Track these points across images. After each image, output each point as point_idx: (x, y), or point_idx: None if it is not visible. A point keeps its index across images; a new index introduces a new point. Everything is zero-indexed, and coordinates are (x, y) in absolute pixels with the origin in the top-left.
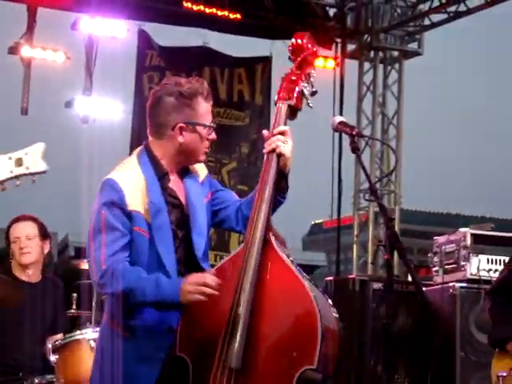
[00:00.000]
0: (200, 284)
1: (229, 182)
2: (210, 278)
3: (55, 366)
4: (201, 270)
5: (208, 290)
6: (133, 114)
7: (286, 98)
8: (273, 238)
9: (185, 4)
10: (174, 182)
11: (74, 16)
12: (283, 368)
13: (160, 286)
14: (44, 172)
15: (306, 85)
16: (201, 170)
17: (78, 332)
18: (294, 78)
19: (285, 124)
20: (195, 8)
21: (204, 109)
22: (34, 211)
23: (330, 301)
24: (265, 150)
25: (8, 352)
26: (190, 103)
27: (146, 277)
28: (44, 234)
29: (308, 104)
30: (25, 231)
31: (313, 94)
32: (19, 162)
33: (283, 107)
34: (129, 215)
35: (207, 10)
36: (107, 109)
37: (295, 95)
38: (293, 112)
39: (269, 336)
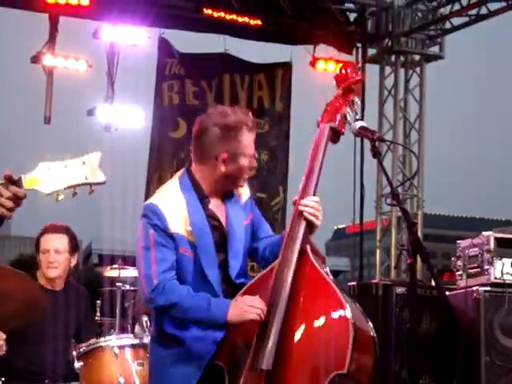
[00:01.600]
0: (253, 306)
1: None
2: (259, 300)
3: (79, 373)
4: (236, 288)
5: (261, 313)
6: (152, 123)
7: (328, 120)
8: (309, 250)
9: (205, 11)
10: (215, 205)
11: (95, 24)
12: (314, 372)
13: (211, 304)
14: (103, 183)
15: (349, 110)
16: (244, 191)
17: (102, 339)
18: (337, 104)
19: (325, 146)
20: (216, 15)
21: (248, 140)
22: (55, 219)
23: (368, 320)
24: (299, 212)
25: (32, 360)
26: (235, 135)
27: (197, 294)
28: (74, 248)
29: (350, 129)
30: (55, 245)
31: (356, 120)
32: (76, 172)
33: (325, 129)
34: (172, 237)
35: (227, 17)
36: (129, 117)
37: (338, 118)
38: (335, 135)
39: (301, 340)
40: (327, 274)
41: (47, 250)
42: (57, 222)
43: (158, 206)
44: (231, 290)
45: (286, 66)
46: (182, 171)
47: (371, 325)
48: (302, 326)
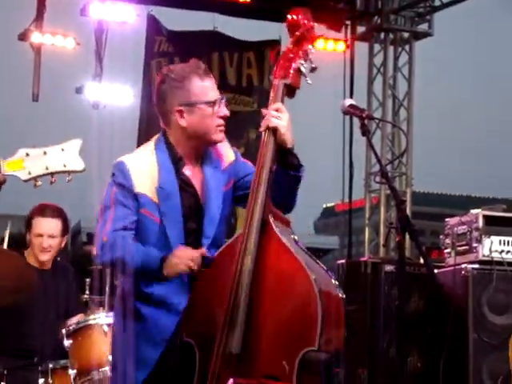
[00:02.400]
0: (184, 257)
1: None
2: (195, 253)
3: (69, 351)
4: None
5: (191, 263)
6: (141, 101)
7: (282, 76)
8: (272, 220)
9: None
10: (192, 170)
11: (83, 1)
12: (284, 351)
13: (149, 254)
14: (82, 171)
15: (303, 62)
16: (227, 155)
17: (91, 317)
18: (290, 55)
19: (282, 102)
20: None
21: (199, 87)
22: (45, 197)
23: (334, 280)
24: (260, 129)
25: (22, 338)
26: (182, 85)
27: (139, 246)
28: (66, 230)
29: (307, 81)
30: (49, 229)
31: (312, 70)
32: (55, 159)
33: (280, 85)
34: (135, 197)
35: None
36: (117, 94)
37: (291, 73)
38: (290, 90)
39: (269, 320)
40: (292, 243)
41: (40, 234)
42: (49, 203)
43: (125, 164)
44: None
45: (275, 44)
46: (158, 134)
47: (340, 290)
48: (270, 305)
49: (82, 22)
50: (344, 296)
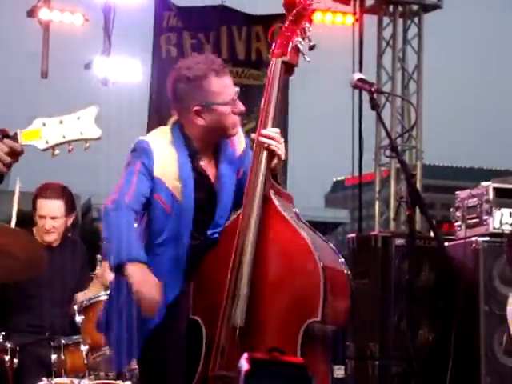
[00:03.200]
0: (148, 297)
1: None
2: (157, 293)
3: (81, 327)
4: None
5: (143, 303)
6: (151, 77)
7: (280, 54)
8: (273, 195)
9: None
10: (207, 162)
11: None
12: (288, 323)
13: (129, 242)
14: (99, 138)
15: (300, 40)
16: (240, 142)
17: (103, 293)
18: (288, 33)
19: (279, 82)
20: None
21: (217, 86)
22: (56, 174)
23: (338, 255)
24: (255, 145)
25: (33, 314)
26: (199, 85)
27: (128, 233)
28: (70, 209)
29: (305, 59)
30: (51, 211)
31: (311, 48)
32: (72, 127)
33: (277, 63)
34: (152, 180)
35: None
36: (126, 70)
37: (289, 51)
38: (288, 68)
39: (272, 293)
40: (294, 218)
41: (43, 216)
42: (52, 182)
43: (150, 145)
44: (202, 245)
45: (284, 18)
46: (173, 122)
47: (344, 263)
48: (272, 279)
49: None
50: (349, 272)
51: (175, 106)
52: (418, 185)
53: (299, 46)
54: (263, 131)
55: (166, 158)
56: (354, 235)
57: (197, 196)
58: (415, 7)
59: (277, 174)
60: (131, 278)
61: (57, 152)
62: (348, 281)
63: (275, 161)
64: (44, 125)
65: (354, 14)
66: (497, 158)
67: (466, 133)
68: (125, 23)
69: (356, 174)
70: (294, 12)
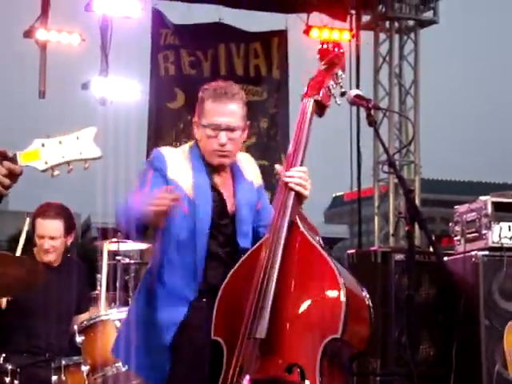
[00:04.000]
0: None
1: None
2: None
3: (81, 347)
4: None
5: (156, 201)
6: (149, 95)
7: (311, 95)
8: (298, 220)
9: None
10: (222, 180)
11: None
12: (308, 338)
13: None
14: (99, 158)
15: (333, 83)
16: (255, 177)
17: (103, 312)
18: (320, 78)
19: (310, 120)
20: None
21: (208, 108)
22: (55, 193)
23: (363, 289)
24: (285, 183)
25: (32, 334)
26: (200, 102)
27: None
28: (69, 229)
29: (336, 102)
30: (50, 231)
31: (342, 94)
32: (71, 147)
33: (309, 103)
34: (166, 182)
35: None
36: (124, 89)
37: (322, 91)
38: (320, 108)
39: (294, 309)
40: (319, 244)
41: (42, 236)
42: (51, 202)
43: (163, 152)
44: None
45: (282, 34)
46: (193, 142)
47: (367, 295)
48: (296, 295)
49: (87, 17)
50: (371, 304)
51: None
52: (417, 199)
53: (331, 88)
54: (288, 173)
55: (181, 166)
56: (353, 251)
57: (213, 206)
58: (411, 23)
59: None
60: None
61: (56, 173)
62: (369, 310)
63: (301, 199)
64: (43, 145)
65: (351, 30)
66: (495, 172)
67: (464, 147)
68: (122, 42)
69: (355, 189)
70: (328, 59)
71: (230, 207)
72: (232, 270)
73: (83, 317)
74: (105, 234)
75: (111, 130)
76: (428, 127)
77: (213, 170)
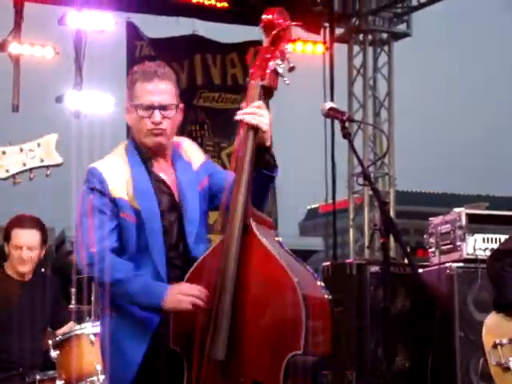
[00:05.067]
0: (190, 294)
1: (230, 164)
2: (199, 289)
3: (56, 362)
4: (192, 258)
5: (197, 301)
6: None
7: (258, 76)
8: (254, 223)
9: None
10: (164, 170)
11: (61, 10)
12: (270, 356)
13: (149, 287)
14: (60, 165)
15: (279, 62)
16: (196, 157)
17: (78, 327)
18: (267, 55)
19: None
20: None
21: (139, 90)
22: (29, 206)
23: (319, 282)
24: (241, 122)
25: (6, 349)
26: (131, 86)
27: (136, 274)
28: (44, 241)
29: (284, 81)
30: (28, 241)
31: (290, 69)
32: (32, 154)
33: (256, 86)
34: (113, 202)
35: (193, 0)
36: (98, 103)
37: (268, 73)
38: (267, 91)
39: (253, 325)
40: (276, 246)
41: (20, 246)
42: (27, 214)
43: (98, 169)
44: (180, 258)
45: (257, 44)
46: (127, 140)
47: (323, 285)
48: (253, 310)
49: (61, 31)
50: (330, 297)
51: None
52: (392, 211)
53: (278, 68)
54: (240, 111)
55: (119, 173)
56: (328, 263)
57: (159, 201)
58: (385, 35)
59: (266, 147)
60: (174, 310)
61: (18, 181)
62: (329, 308)
63: (259, 134)
64: (4, 153)
65: (325, 43)
66: (469, 184)
67: (438, 158)
68: (96, 55)
69: (330, 201)
70: (273, 33)
71: (175, 194)
72: (187, 276)
73: (64, 329)
74: None
75: (85, 142)
76: (402, 139)
77: (151, 157)
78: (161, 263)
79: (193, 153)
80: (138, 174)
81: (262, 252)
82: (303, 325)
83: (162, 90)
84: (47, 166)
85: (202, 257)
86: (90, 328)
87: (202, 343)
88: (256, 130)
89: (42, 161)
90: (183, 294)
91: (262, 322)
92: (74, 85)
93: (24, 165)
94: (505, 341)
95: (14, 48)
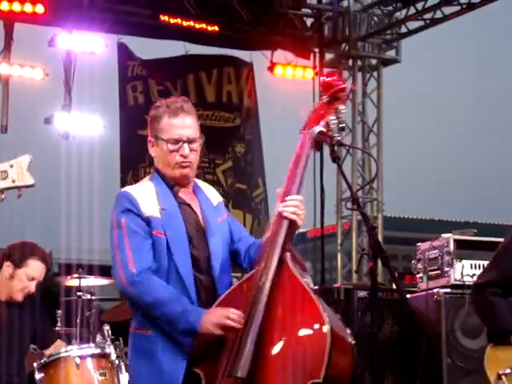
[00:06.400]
0: (225, 317)
1: (225, 181)
2: (233, 312)
3: None
4: (216, 280)
5: (231, 323)
6: (120, 126)
7: (312, 127)
8: (289, 257)
9: (162, 17)
10: (187, 195)
11: (51, 32)
12: (290, 380)
13: (186, 311)
14: (32, 186)
15: (332, 118)
16: (213, 195)
17: (63, 349)
18: (321, 111)
19: (307, 154)
20: (172, 21)
21: (165, 124)
22: (15, 228)
23: (344, 325)
24: (280, 213)
25: None
26: (155, 119)
27: (174, 298)
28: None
29: (335, 137)
30: (40, 275)
31: (341, 129)
32: (4, 175)
33: (308, 136)
34: (147, 221)
35: (184, 23)
36: (87, 124)
37: (322, 125)
38: (317, 143)
39: (277, 349)
40: (307, 284)
41: (33, 278)
42: (33, 243)
43: (129, 191)
44: (207, 279)
45: (250, 66)
46: (151, 174)
47: (349, 331)
48: (279, 336)
49: (51, 52)
50: (354, 342)
51: None
52: (380, 237)
53: (330, 124)
54: (283, 203)
55: (148, 195)
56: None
57: (186, 221)
58: (374, 61)
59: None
60: (210, 333)
61: None
62: (351, 351)
63: (294, 228)
64: None
65: (314, 67)
66: (457, 210)
67: (426, 185)
68: (85, 77)
69: (318, 226)
70: (330, 92)
71: (200, 217)
72: (217, 301)
73: (50, 350)
74: (68, 269)
75: (74, 163)
76: (391, 164)
77: (177, 188)
78: (189, 282)
79: (210, 191)
80: (166, 198)
81: (295, 284)
82: (326, 356)
83: (188, 124)
84: (18, 187)
85: (236, 284)
86: (76, 351)
87: (225, 367)
88: (291, 223)
89: (13, 181)
90: (217, 318)
91: (287, 348)
92: (63, 106)
93: None
94: (508, 370)
95: (3, 69)
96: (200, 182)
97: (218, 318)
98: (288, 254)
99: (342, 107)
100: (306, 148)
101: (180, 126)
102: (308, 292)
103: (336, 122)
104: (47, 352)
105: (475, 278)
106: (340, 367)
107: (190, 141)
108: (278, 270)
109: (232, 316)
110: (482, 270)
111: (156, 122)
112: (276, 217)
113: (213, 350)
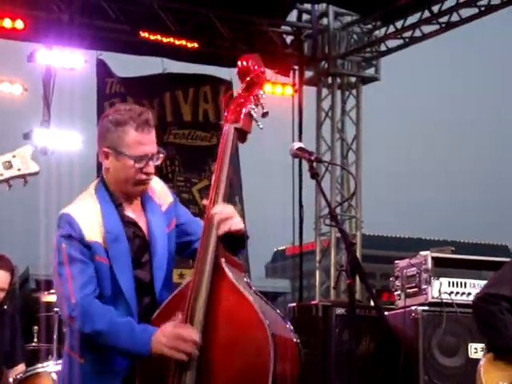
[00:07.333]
0: (177, 338)
1: (201, 199)
2: (187, 332)
3: None
4: (158, 301)
5: (183, 347)
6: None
7: (233, 120)
8: (224, 263)
9: (141, 34)
10: (134, 211)
11: (30, 47)
12: None
13: (134, 333)
14: (37, 173)
15: (253, 107)
16: (164, 197)
17: (40, 365)
18: (241, 100)
19: (232, 148)
20: (152, 37)
21: (131, 138)
22: None
23: (288, 325)
24: (208, 220)
25: None
26: (116, 130)
27: (119, 321)
28: (11, 282)
29: (258, 125)
30: (4, 284)
31: (263, 115)
32: (8, 165)
33: (230, 130)
34: (88, 246)
35: (164, 40)
36: (66, 140)
37: (242, 117)
38: (241, 135)
39: (221, 366)
40: (245, 287)
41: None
42: (3, 255)
43: (71, 214)
44: (151, 301)
45: (228, 84)
46: (97, 181)
47: (292, 329)
48: (221, 350)
49: (30, 67)
50: (299, 340)
51: (98, 145)
52: (358, 255)
53: (252, 112)
54: (214, 211)
55: (91, 217)
56: (294, 304)
57: (132, 246)
58: (353, 79)
59: (242, 238)
60: (162, 352)
61: None
62: (297, 350)
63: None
64: None
65: (294, 85)
66: (435, 229)
67: (404, 203)
68: (65, 92)
69: (297, 243)
70: (248, 79)
71: (146, 234)
72: (155, 314)
73: (19, 369)
74: (46, 285)
75: (52, 179)
76: (370, 182)
77: (124, 205)
78: (134, 305)
79: (162, 194)
80: (109, 217)
81: (232, 291)
82: (271, 364)
83: (153, 139)
84: (24, 175)
85: (169, 297)
86: (52, 366)
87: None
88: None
89: (18, 170)
90: (168, 338)
91: (231, 362)
92: (42, 122)
93: (1, 175)
94: None
95: None
96: (153, 185)
97: (171, 340)
98: (223, 259)
99: (260, 92)
100: (229, 145)
101: (146, 142)
102: (246, 298)
103: (258, 109)
104: (16, 369)
105: (452, 295)
106: (286, 373)
107: (153, 158)
108: (214, 276)
109: (187, 337)
110: (459, 287)
111: (116, 132)
112: (204, 224)
113: (156, 367)
